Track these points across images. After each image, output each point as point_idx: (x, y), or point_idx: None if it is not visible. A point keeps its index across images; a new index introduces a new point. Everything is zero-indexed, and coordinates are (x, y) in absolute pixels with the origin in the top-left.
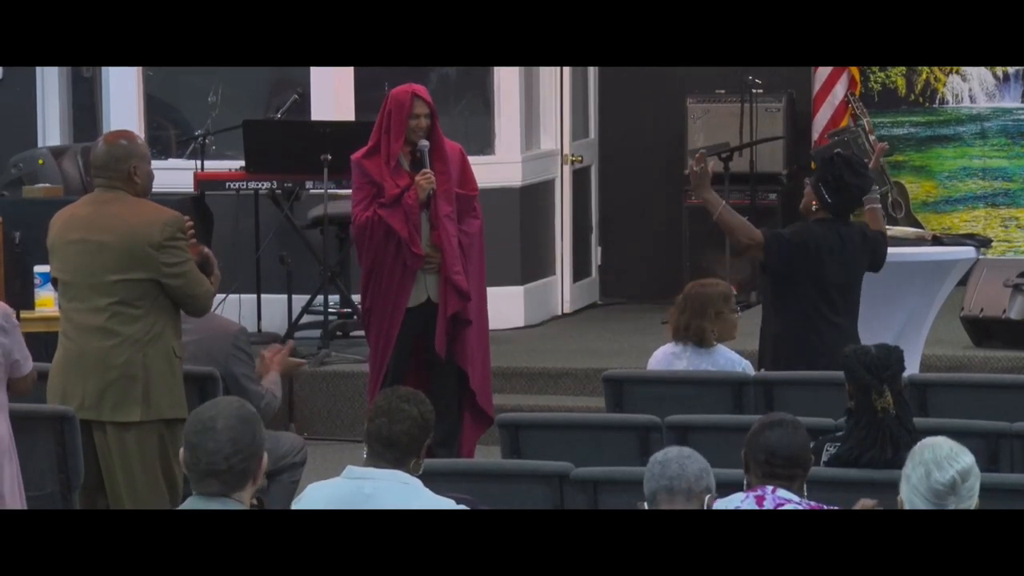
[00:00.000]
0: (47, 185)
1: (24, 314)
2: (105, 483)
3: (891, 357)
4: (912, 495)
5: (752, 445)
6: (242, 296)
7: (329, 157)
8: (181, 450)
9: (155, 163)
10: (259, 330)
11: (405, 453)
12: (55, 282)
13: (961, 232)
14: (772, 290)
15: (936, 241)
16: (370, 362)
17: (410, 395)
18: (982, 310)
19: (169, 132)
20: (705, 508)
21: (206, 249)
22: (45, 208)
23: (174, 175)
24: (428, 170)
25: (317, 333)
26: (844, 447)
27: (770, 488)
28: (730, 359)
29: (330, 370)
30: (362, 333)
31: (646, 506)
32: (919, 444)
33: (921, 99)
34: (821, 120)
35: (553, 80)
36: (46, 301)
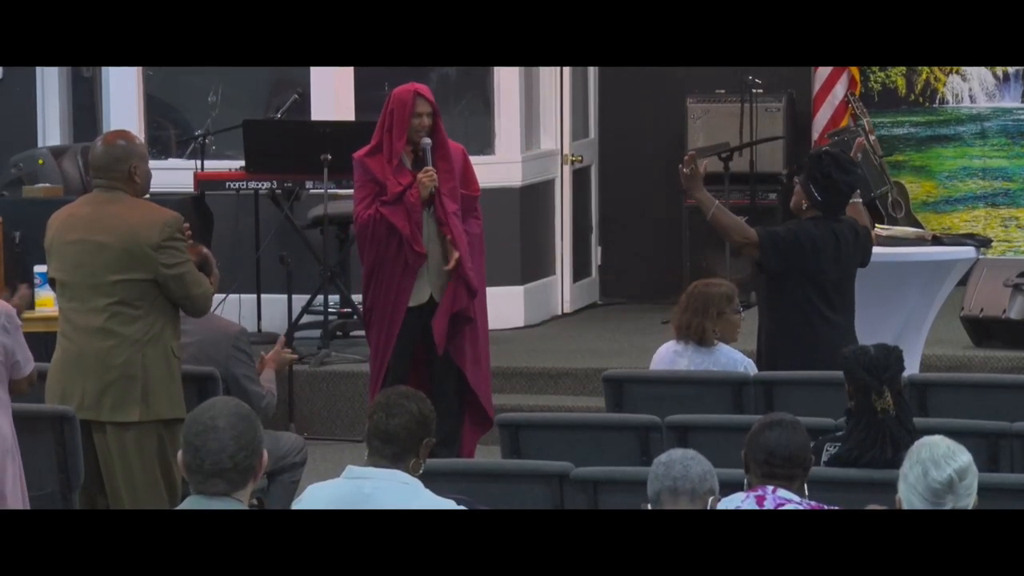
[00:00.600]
0: (47, 185)
1: (24, 314)
2: (105, 483)
3: (891, 357)
4: (910, 494)
5: (752, 445)
6: (242, 296)
7: (329, 157)
8: (180, 452)
9: (155, 163)
10: (259, 330)
11: (404, 449)
12: (52, 282)
13: (961, 232)
14: (768, 288)
15: (936, 241)
16: (371, 362)
17: (410, 393)
18: (982, 310)
19: (169, 132)
20: (708, 510)
21: (205, 249)
22: (45, 208)
23: (174, 175)
24: (430, 168)
25: (317, 333)
26: (844, 447)
27: (770, 488)
28: (732, 358)
29: (330, 370)
30: (362, 333)
31: (649, 507)
32: (916, 443)
33: (921, 99)
34: (821, 120)
35: (553, 80)
36: (46, 301)
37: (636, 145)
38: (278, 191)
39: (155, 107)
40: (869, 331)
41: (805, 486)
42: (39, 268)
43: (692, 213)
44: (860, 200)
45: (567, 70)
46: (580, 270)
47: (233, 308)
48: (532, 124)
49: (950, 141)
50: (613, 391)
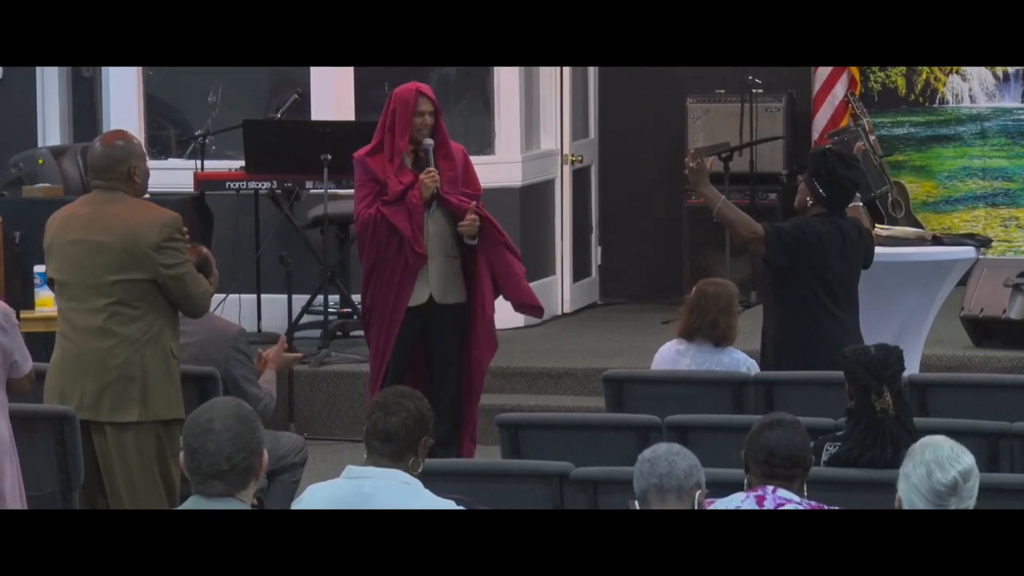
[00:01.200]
0: (47, 185)
1: (24, 314)
2: (104, 483)
3: (890, 357)
4: (912, 494)
5: (752, 445)
6: (242, 296)
7: (329, 157)
8: (181, 453)
9: (155, 163)
10: (259, 330)
11: (403, 448)
12: (51, 282)
13: (961, 232)
14: (773, 284)
15: (936, 241)
16: (370, 362)
17: (407, 392)
18: (982, 310)
19: (169, 132)
20: (696, 504)
21: (204, 249)
22: (45, 208)
23: (174, 175)
24: (432, 168)
25: (317, 333)
26: (844, 447)
27: (770, 488)
28: (735, 358)
29: (330, 370)
30: (362, 333)
31: (637, 505)
32: (919, 443)
33: (921, 99)
34: (821, 120)
35: (553, 80)
36: (46, 301)
37: (636, 145)
38: (278, 191)
39: (155, 107)
40: (869, 331)
41: (805, 486)
42: (39, 268)
43: (692, 213)
44: (861, 203)
45: (567, 70)
46: (580, 270)
47: (233, 308)
48: (532, 124)
49: (950, 141)
50: (613, 391)
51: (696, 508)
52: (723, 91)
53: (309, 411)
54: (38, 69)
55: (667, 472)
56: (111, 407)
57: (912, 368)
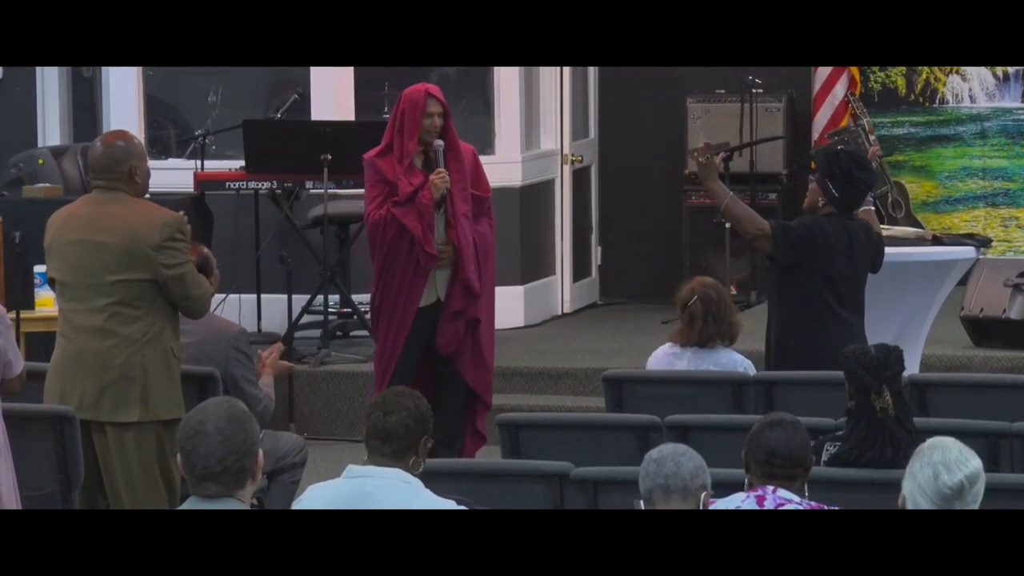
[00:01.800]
0: (47, 185)
1: (24, 314)
2: (104, 483)
3: (890, 357)
4: (917, 494)
5: (752, 445)
6: (242, 296)
7: (329, 157)
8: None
9: (155, 163)
10: (259, 330)
11: (403, 447)
12: (51, 282)
13: (961, 232)
14: (779, 282)
15: (936, 241)
16: (376, 361)
17: (406, 392)
18: (982, 310)
19: (169, 132)
20: (701, 505)
21: (205, 249)
22: (45, 208)
23: (174, 175)
24: (442, 170)
25: (317, 333)
26: (844, 447)
27: (770, 488)
28: (732, 359)
29: (330, 370)
30: (363, 333)
31: (642, 505)
32: (927, 444)
33: (921, 99)
34: (821, 120)
35: (553, 80)
36: (46, 301)
37: (636, 145)
38: (278, 191)
39: (155, 107)
40: (869, 331)
41: (805, 486)
42: (39, 268)
43: (692, 213)
44: (873, 208)
45: (567, 70)
46: (580, 270)
47: (233, 308)
48: (532, 124)
49: (950, 141)
50: (613, 391)
51: (701, 509)
52: (723, 91)
53: (309, 411)
54: (38, 69)
55: (673, 472)
56: (111, 407)
57: (912, 368)
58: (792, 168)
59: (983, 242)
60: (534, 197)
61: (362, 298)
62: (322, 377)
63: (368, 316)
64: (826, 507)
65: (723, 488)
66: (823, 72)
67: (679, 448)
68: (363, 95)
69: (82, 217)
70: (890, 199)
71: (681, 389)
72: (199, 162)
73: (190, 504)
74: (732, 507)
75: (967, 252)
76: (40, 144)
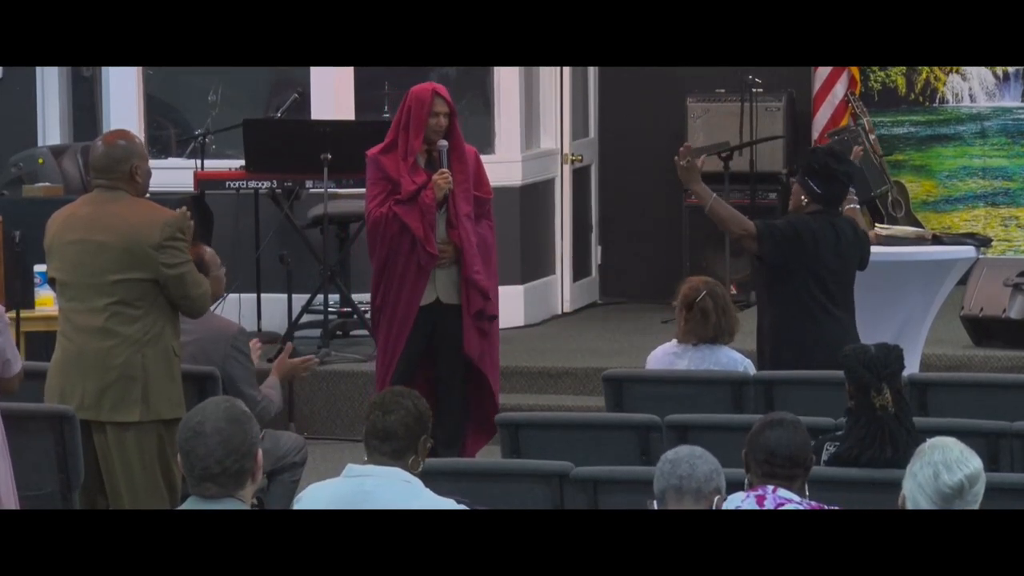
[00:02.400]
0: (47, 184)
1: (24, 313)
2: (105, 483)
3: (890, 356)
4: (917, 494)
5: (753, 445)
6: (242, 295)
7: (329, 156)
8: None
9: (155, 163)
10: (259, 329)
11: (403, 446)
12: (52, 282)
13: (961, 231)
14: (768, 282)
15: (936, 240)
16: (378, 361)
17: (405, 391)
18: (982, 309)
19: (169, 131)
20: (714, 508)
21: (209, 249)
22: (45, 207)
23: (174, 174)
24: (445, 170)
25: (317, 332)
26: (844, 446)
27: (770, 488)
28: (732, 358)
29: (330, 369)
30: (363, 332)
31: (655, 505)
32: (928, 444)
33: (921, 98)
34: (821, 119)
35: (553, 79)
36: (46, 300)
37: (636, 144)
38: (278, 190)
39: (155, 107)
40: (869, 330)
41: (806, 486)
42: (39, 267)
43: (692, 213)
44: (857, 205)
45: (567, 70)
46: (580, 269)
47: (233, 308)
48: (532, 123)
49: (950, 140)
50: (613, 391)
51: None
52: (723, 90)
53: (309, 411)
54: (38, 69)
55: (687, 474)
56: (112, 407)
57: (912, 367)
58: (792, 168)
59: (983, 241)
60: (534, 196)
61: (362, 297)
62: (322, 377)
63: (368, 316)
64: (826, 507)
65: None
66: (823, 72)
67: (696, 451)
68: (363, 95)
69: (83, 217)
70: (890, 198)
71: (681, 388)
72: (199, 161)
73: (190, 504)
74: (732, 507)
75: (967, 251)
76: (40, 143)
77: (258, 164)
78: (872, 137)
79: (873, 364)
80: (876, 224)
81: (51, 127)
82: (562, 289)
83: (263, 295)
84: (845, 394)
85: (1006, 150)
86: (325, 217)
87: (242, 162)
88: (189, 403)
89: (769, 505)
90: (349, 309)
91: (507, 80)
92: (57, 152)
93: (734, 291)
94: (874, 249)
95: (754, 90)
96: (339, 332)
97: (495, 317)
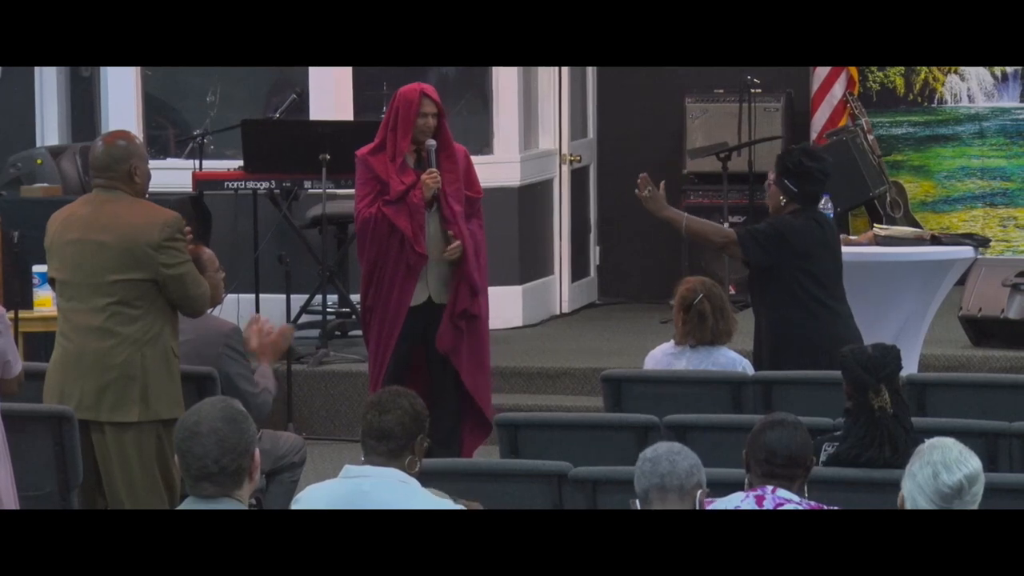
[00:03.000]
0: (45, 185)
1: (23, 314)
2: (103, 483)
3: (888, 356)
4: (916, 494)
5: (753, 445)
6: (241, 296)
7: (328, 157)
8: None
9: (153, 163)
10: None
11: (399, 446)
12: (52, 282)
13: (959, 232)
14: (760, 286)
15: (934, 241)
16: (370, 362)
17: (401, 391)
18: (980, 310)
19: (167, 131)
20: (698, 503)
21: (208, 251)
22: (44, 208)
23: (172, 175)
24: (434, 170)
25: (316, 333)
26: (842, 447)
27: (770, 488)
28: (731, 358)
29: (329, 370)
30: (361, 332)
31: (638, 504)
32: (927, 444)
33: (920, 99)
34: (819, 120)
35: (551, 80)
36: (44, 301)
37: (635, 145)
38: (277, 191)
39: (154, 107)
40: (868, 331)
41: (805, 486)
42: (38, 268)
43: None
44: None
45: (565, 70)
46: (579, 270)
47: (232, 308)
48: (530, 124)
49: (948, 141)
50: (612, 391)
51: (697, 507)
52: (722, 91)
53: (308, 411)
54: (36, 69)
55: (669, 471)
56: (111, 407)
57: (911, 368)
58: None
59: (981, 242)
60: (532, 197)
61: (360, 298)
62: (321, 377)
63: None
64: (825, 507)
65: (722, 488)
66: (821, 72)
67: (674, 447)
68: (362, 95)
69: (82, 217)
70: (888, 199)
71: (680, 389)
72: (197, 162)
73: (188, 504)
74: (731, 507)
75: (965, 252)
76: (38, 144)
77: (257, 164)
78: (870, 137)
79: (871, 365)
80: (874, 224)
81: (49, 127)
82: (561, 289)
83: (262, 295)
84: (843, 394)
85: (1004, 150)
86: (324, 217)
87: (241, 162)
88: (188, 403)
89: (768, 505)
90: (347, 309)
91: (505, 80)
92: (55, 152)
93: (733, 291)
94: (873, 250)
95: (752, 90)
96: (338, 332)
97: (476, 316)
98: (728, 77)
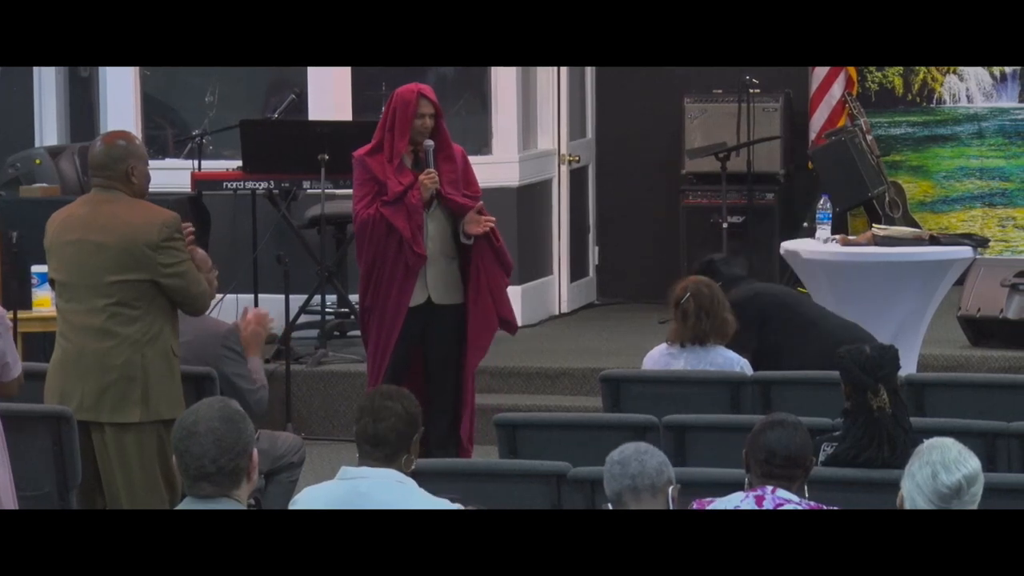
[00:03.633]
0: (44, 185)
1: (21, 314)
2: (103, 483)
3: (886, 356)
4: (915, 494)
5: (753, 445)
6: (239, 296)
7: (326, 157)
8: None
9: (152, 163)
10: None
11: (395, 450)
12: (52, 283)
13: (958, 232)
14: (774, 356)
15: (933, 241)
16: (369, 362)
17: (393, 392)
18: (979, 310)
19: (166, 132)
20: (671, 499)
21: (200, 251)
22: (42, 208)
23: (171, 175)
24: (432, 170)
25: (314, 333)
26: (841, 447)
27: (769, 488)
28: (728, 358)
29: (327, 370)
30: (360, 333)
31: (610, 507)
32: (926, 444)
33: (918, 99)
34: (818, 120)
35: (550, 80)
36: (43, 301)
37: (633, 145)
38: (275, 191)
39: (152, 107)
40: (867, 330)
41: (805, 487)
42: (36, 268)
43: (690, 213)
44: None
45: (564, 70)
46: (577, 270)
47: (231, 308)
48: (529, 124)
49: (947, 141)
50: (610, 391)
51: (671, 503)
52: (720, 91)
53: (307, 411)
54: (35, 69)
55: (639, 472)
56: (112, 408)
57: (909, 368)
58: (789, 168)
59: (980, 242)
60: (531, 197)
61: (359, 298)
62: (319, 377)
63: None
64: (825, 507)
65: (721, 488)
66: (820, 72)
67: (640, 446)
68: (360, 95)
69: (81, 217)
70: (887, 199)
71: (678, 389)
72: (196, 162)
73: (186, 504)
74: (731, 507)
75: (964, 252)
76: (37, 144)
77: (255, 164)
78: (869, 138)
79: (869, 365)
80: (873, 225)
81: (48, 127)
82: (559, 290)
83: (260, 296)
84: (841, 395)
85: (1003, 151)
86: (322, 217)
87: (239, 162)
88: (187, 404)
89: (768, 505)
90: (346, 309)
91: (504, 80)
92: (54, 153)
93: None
94: (872, 250)
95: (751, 90)
96: (336, 332)
97: (506, 259)
98: (727, 77)
